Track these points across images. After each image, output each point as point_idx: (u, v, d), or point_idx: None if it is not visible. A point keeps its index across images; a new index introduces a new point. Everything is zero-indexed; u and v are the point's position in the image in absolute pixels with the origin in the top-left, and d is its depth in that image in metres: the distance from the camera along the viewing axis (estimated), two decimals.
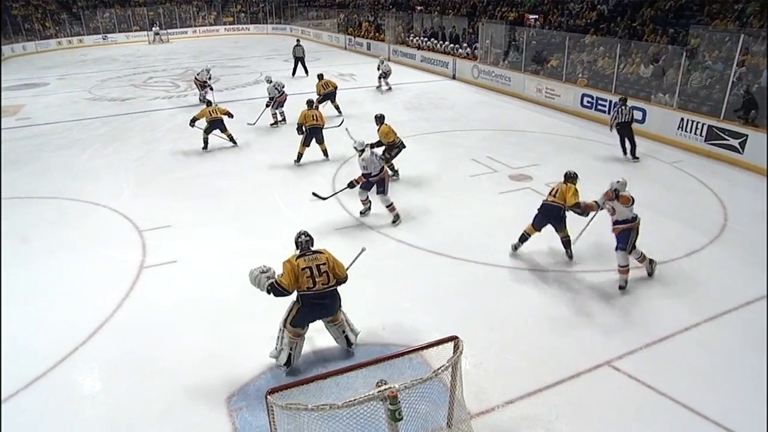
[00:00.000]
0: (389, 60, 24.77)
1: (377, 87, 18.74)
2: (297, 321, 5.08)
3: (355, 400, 3.48)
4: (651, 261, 6.79)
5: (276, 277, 4.97)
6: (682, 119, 11.95)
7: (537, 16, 20.23)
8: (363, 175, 8.18)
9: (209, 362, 5.45)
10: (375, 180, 8.19)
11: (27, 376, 5.26)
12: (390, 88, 18.51)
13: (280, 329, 5.18)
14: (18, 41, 33.95)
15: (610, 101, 13.52)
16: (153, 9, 40.56)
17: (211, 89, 16.81)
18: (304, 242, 5.08)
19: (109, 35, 38.26)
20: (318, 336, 5.59)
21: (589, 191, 9.31)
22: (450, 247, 7.57)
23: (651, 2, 16.40)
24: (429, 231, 8.12)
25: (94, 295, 6.61)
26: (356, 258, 5.47)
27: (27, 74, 25.11)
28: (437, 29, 23.28)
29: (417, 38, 23.91)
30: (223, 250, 7.66)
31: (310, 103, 11.46)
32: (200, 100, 16.41)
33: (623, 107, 11.05)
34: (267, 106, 14.28)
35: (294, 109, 12.78)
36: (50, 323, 6.10)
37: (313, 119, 11.01)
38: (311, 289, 4.94)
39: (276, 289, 4.90)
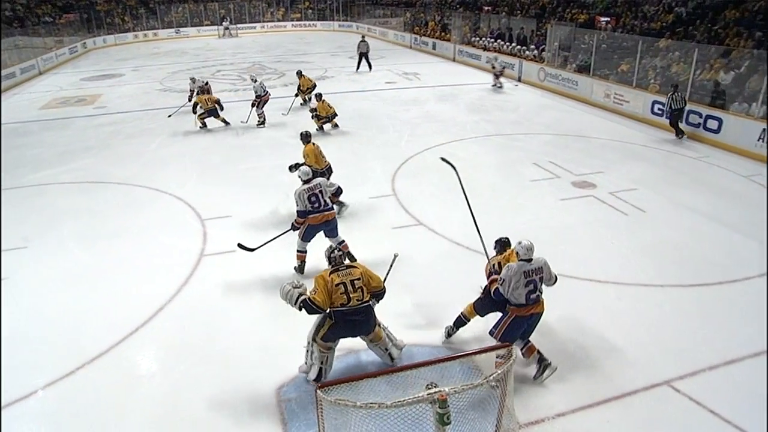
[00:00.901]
0: (454, 60, 24.67)
1: (492, 85, 18.54)
2: (328, 337, 4.87)
3: (404, 400, 3.45)
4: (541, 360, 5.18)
5: (308, 293, 4.74)
6: (764, 130, 11.24)
7: (609, 19, 19.54)
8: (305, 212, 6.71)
9: (262, 351, 5.56)
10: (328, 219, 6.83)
11: (88, 354, 5.51)
12: (501, 86, 18.40)
13: (309, 343, 4.97)
14: (99, 35, 35.90)
15: (682, 109, 12.91)
16: (224, 5, 41.87)
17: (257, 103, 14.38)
18: (337, 257, 4.89)
19: (181, 29, 39.83)
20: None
21: (653, 204, 8.99)
22: None
23: (736, 3, 15.50)
24: (487, 235, 7.93)
25: (154, 280, 6.86)
26: (390, 267, 5.32)
27: (105, 65, 26.45)
28: (504, 30, 22.91)
29: (483, 39, 23.62)
30: (282, 242, 7.77)
31: (319, 96, 12.99)
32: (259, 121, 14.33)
33: (675, 94, 12.16)
34: (253, 105, 14.08)
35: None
36: (112, 304, 6.37)
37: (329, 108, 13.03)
38: (345, 305, 4.71)
39: (309, 306, 4.67)
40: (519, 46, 21.02)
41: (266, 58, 26.98)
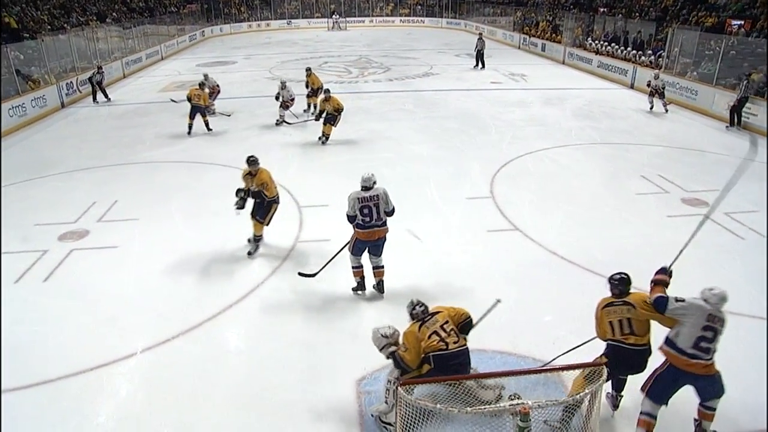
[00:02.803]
0: (563, 63, 23.80)
1: (650, 108, 15.57)
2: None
3: (485, 408, 3.37)
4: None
5: (400, 349, 4.46)
6: None
7: (742, 22, 17.91)
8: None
9: (348, 341, 5.66)
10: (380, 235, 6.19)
11: (184, 325, 5.86)
12: (666, 110, 15.32)
13: (391, 383, 4.47)
14: (216, 24, 38.19)
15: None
16: None
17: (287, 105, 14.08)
18: (419, 313, 4.56)
19: (293, 20, 41.42)
20: None
21: None
22: (605, 266, 6.99)
23: None
24: (585, 246, 7.63)
25: (249, 260, 7.16)
26: (488, 312, 4.84)
27: (220, 53, 28.04)
28: (620, 33, 21.75)
29: (596, 42, 22.59)
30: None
31: (327, 91, 12.36)
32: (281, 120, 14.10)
33: (749, 81, 12.64)
34: (281, 106, 13.82)
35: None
36: (208, 280, 6.72)
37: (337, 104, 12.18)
38: (444, 350, 4.34)
39: (397, 362, 4.42)
40: (634, 51, 19.90)
41: (372, 52, 27.38)
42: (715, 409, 4.22)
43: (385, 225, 6.15)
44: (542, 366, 4.99)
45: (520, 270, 6.97)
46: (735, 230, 8.20)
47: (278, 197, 7.41)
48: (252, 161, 7.19)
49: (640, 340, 4.27)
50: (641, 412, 4.28)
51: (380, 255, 6.27)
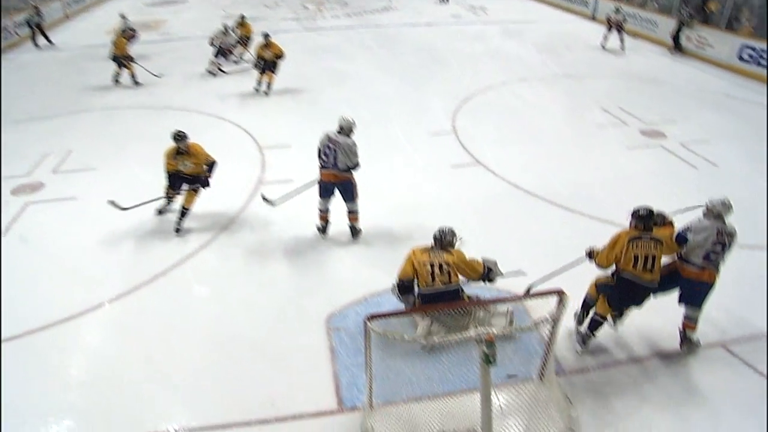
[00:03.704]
0: None
1: (603, 47, 14.98)
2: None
3: (451, 337, 3.48)
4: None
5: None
6: None
7: None
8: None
9: (315, 280, 5.74)
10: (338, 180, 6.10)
11: (151, 272, 5.82)
12: (623, 48, 14.74)
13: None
14: None
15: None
16: None
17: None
18: (437, 237, 4.74)
19: None
20: None
21: (726, 158, 8.45)
22: (567, 198, 7.22)
23: None
24: (546, 179, 7.76)
25: (212, 205, 7.07)
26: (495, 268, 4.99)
27: None
28: None
29: None
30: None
31: (266, 36, 11.15)
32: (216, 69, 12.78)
33: (686, 9, 12.61)
34: (219, 55, 12.67)
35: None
36: (171, 228, 6.61)
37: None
38: (428, 285, 4.60)
39: (395, 287, 4.76)
40: None
41: None
42: (696, 320, 4.74)
43: (344, 172, 6.01)
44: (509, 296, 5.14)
45: (483, 204, 7.08)
46: (689, 160, 8.44)
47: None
48: (180, 136, 6.33)
49: (654, 278, 4.47)
50: (685, 317, 4.79)
51: (352, 200, 6.21)
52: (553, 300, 3.84)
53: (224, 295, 5.55)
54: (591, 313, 4.82)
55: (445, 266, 4.62)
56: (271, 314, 5.26)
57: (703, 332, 4.98)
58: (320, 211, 6.36)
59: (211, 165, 6.51)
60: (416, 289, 4.71)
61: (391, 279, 5.45)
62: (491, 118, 10.01)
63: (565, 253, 5.77)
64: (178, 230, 6.50)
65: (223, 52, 12.73)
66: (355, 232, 6.41)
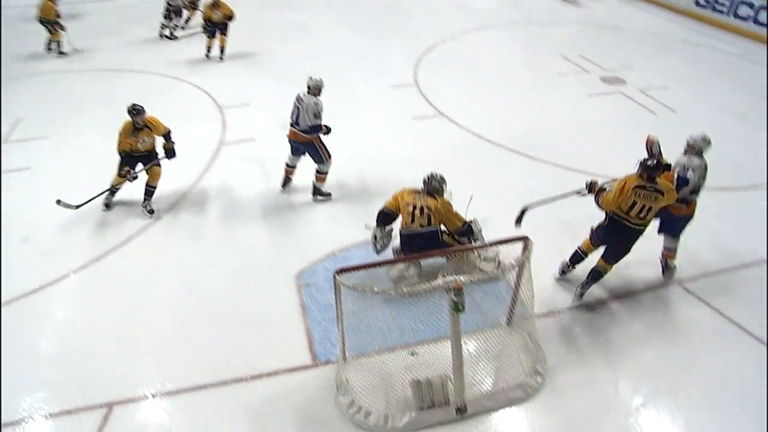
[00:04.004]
0: None
1: None
2: (401, 248, 5.04)
3: (420, 287, 3.53)
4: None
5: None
6: None
7: None
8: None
9: (284, 238, 5.72)
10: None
11: (114, 240, 5.70)
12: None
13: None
14: None
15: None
16: None
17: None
18: (425, 181, 4.85)
19: None
20: None
21: (684, 103, 8.63)
22: (530, 146, 7.30)
23: None
24: (509, 127, 7.82)
25: (174, 167, 6.89)
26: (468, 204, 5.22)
27: None
28: None
29: None
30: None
31: None
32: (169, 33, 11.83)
33: None
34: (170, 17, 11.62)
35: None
36: (134, 192, 6.43)
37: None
38: (408, 226, 4.84)
39: (378, 212, 4.93)
40: None
41: None
42: (675, 250, 5.10)
43: (306, 133, 5.91)
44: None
45: (447, 154, 7.10)
46: (648, 105, 8.57)
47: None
48: (136, 110, 5.73)
49: (644, 224, 4.59)
50: (665, 248, 5.15)
51: (319, 161, 6.11)
52: (519, 246, 3.92)
53: (191, 259, 5.48)
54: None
55: (426, 210, 4.76)
56: (240, 275, 5.23)
57: (660, 272, 5.19)
58: (286, 165, 6.36)
59: (168, 134, 6.12)
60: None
61: (357, 233, 5.51)
62: (453, 69, 9.95)
63: (532, 199, 5.86)
64: (151, 212, 6.06)
65: (174, 12, 11.69)
66: (316, 191, 6.33)
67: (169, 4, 11.56)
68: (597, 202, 4.72)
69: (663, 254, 5.19)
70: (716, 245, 5.61)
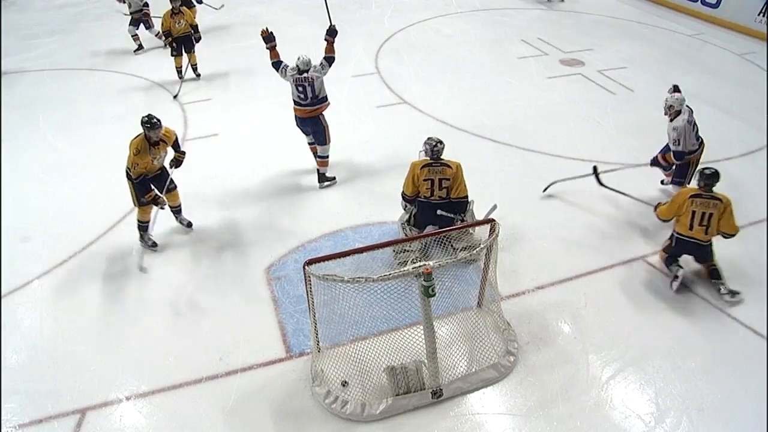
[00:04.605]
0: None
1: None
2: (417, 223, 5.34)
3: (390, 274, 3.56)
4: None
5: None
6: (766, 4, 10.74)
7: None
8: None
9: (252, 232, 5.67)
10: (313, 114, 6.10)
11: (79, 243, 5.55)
12: None
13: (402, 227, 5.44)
14: None
15: None
16: None
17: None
18: (433, 152, 5.06)
19: None
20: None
21: (642, 83, 8.85)
22: (493, 130, 7.39)
23: None
24: (472, 113, 7.89)
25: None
26: (490, 212, 5.33)
27: None
28: None
29: None
30: (264, 123, 7.69)
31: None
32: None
33: None
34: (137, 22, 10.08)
35: None
36: (98, 192, 6.32)
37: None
38: (427, 198, 5.13)
39: (402, 197, 5.27)
40: None
41: None
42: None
43: (321, 102, 6.07)
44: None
45: (411, 142, 7.08)
46: (607, 86, 8.75)
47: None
48: (153, 124, 4.95)
49: (708, 237, 4.74)
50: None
51: (323, 143, 6.17)
52: (486, 229, 3.98)
53: (158, 259, 5.39)
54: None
55: (444, 182, 5.06)
56: (209, 272, 5.17)
57: (626, 249, 5.34)
58: (309, 144, 6.41)
59: (177, 142, 5.49)
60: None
61: (323, 226, 5.55)
62: (414, 56, 9.97)
63: (498, 182, 5.96)
64: (189, 224, 5.71)
65: (134, 19, 10.20)
66: (321, 178, 6.35)
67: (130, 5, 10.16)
68: (657, 215, 5.03)
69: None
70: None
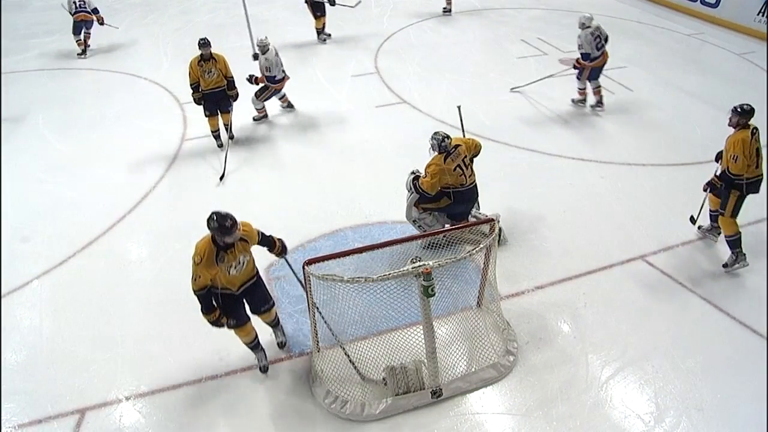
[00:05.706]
0: None
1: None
2: (454, 216, 5.21)
3: (389, 274, 3.56)
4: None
5: (420, 177, 4.99)
6: (765, 3, 10.74)
7: None
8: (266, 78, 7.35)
9: None
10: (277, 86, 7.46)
11: (79, 243, 5.55)
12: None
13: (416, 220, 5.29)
14: None
15: None
16: None
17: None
18: (446, 146, 4.88)
19: None
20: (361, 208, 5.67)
21: (641, 82, 8.86)
22: (492, 130, 7.38)
23: None
24: (471, 112, 7.81)
25: (137, 167, 6.78)
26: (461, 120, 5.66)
27: None
28: None
29: None
30: (264, 122, 7.69)
31: (205, 44, 6.79)
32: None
33: None
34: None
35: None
36: (97, 192, 6.32)
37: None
38: (464, 185, 4.99)
39: (416, 188, 4.98)
40: None
41: None
42: (599, 86, 7.75)
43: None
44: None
45: (410, 142, 7.11)
46: (606, 86, 8.73)
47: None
48: (204, 43, 6.65)
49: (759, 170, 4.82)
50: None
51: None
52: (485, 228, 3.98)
53: (157, 257, 5.40)
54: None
55: (468, 160, 5.03)
56: None
57: (626, 249, 5.34)
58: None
59: (232, 80, 6.88)
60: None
61: (323, 226, 5.54)
62: (413, 56, 9.96)
63: (492, 182, 5.95)
64: (231, 137, 7.02)
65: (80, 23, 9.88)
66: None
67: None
68: (730, 173, 4.75)
69: (594, 91, 7.73)
70: (673, 220, 5.77)
